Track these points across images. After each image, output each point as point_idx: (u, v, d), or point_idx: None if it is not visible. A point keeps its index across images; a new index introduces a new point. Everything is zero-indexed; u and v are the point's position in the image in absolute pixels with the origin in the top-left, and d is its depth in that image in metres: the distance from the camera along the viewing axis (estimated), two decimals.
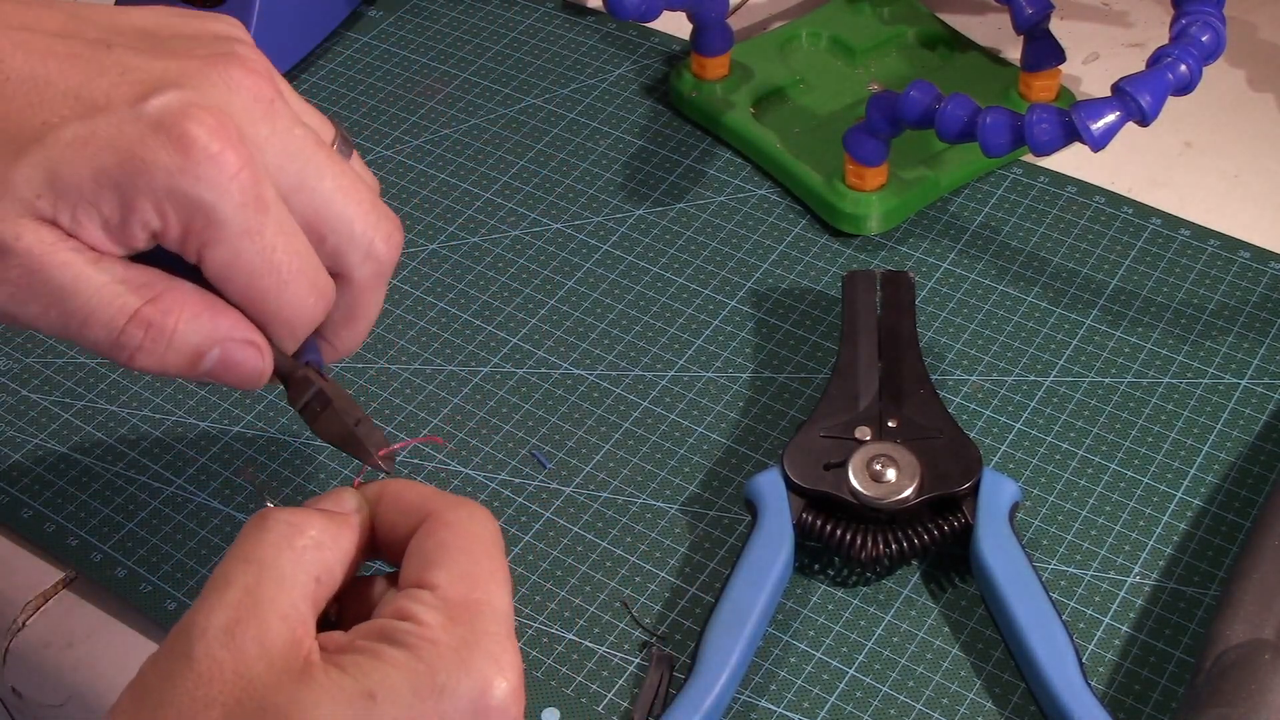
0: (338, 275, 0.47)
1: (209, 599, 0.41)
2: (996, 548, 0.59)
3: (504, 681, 0.41)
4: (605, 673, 0.60)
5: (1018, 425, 0.68)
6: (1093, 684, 0.57)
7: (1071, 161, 0.79)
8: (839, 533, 0.61)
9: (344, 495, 0.44)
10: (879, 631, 0.61)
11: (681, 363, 0.71)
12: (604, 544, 0.64)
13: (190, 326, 0.43)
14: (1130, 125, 0.68)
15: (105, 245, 0.43)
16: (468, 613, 0.41)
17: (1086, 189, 0.78)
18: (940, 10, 0.89)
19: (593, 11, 0.92)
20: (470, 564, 0.42)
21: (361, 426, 0.47)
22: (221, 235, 0.43)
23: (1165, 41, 0.70)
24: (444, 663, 0.40)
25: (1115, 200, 0.78)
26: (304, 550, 0.41)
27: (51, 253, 0.42)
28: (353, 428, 0.46)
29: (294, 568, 0.41)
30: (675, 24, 0.86)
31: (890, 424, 0.63)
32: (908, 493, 0.60)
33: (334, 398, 0.46)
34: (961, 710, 0.58)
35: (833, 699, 0.59)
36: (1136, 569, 0.62)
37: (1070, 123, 0.67)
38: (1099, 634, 0.60)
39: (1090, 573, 0.62)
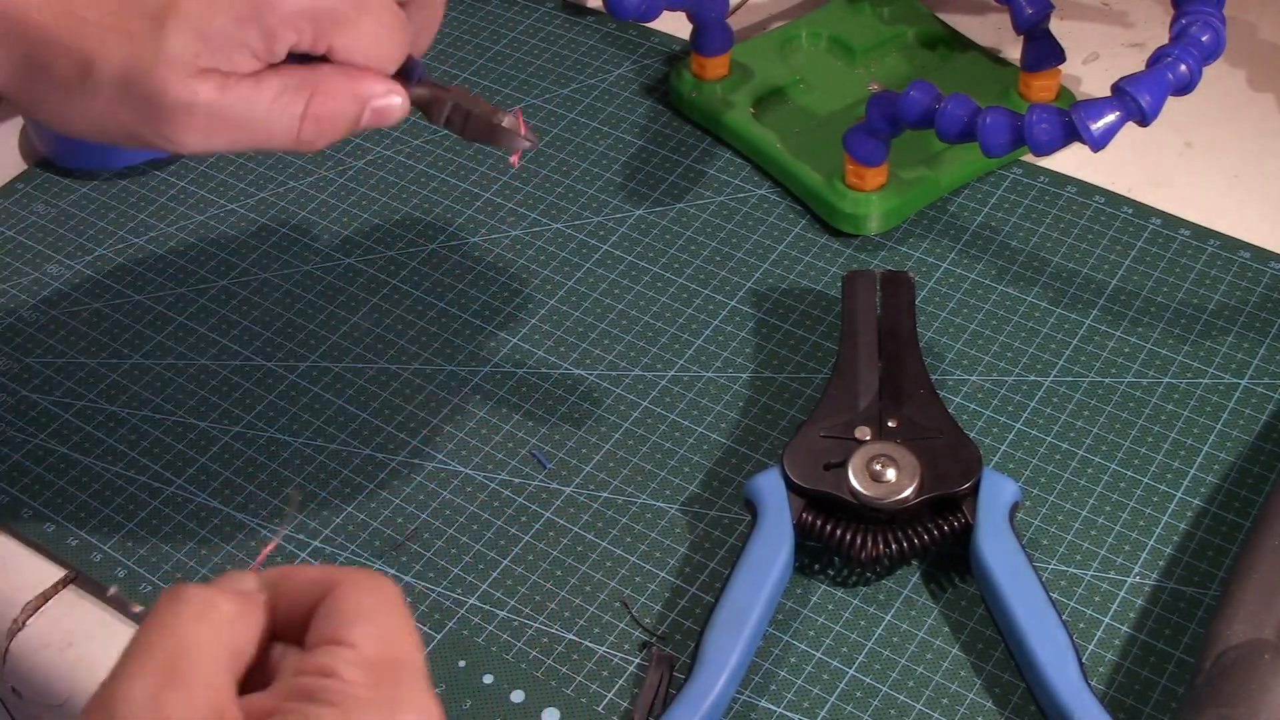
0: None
1: (129, 668, 0.41)
2: (996, 548, 0.59)
3: None
4: (605, 673, 0.60)
5: (1018, 425, 0.68)
6: (1093, 684, 0.57)
7: (1071, 161, 0.79)
8: (839, 533, 0.61)
9: (244, 577, 0.45)
10: (879, 631, 0.61)
11: (681, 363, 0.71)
12: (604, 544, 0.64)
13: (344, 104, 0.52)
14: (1130, 125, 0.68)
15: (257, 68, 0.51)
16: (390, 670, 0.41)
17: (1086, 189, 0.78)
18: (940, 10, 0.89)
19: (592, 11, 0.92)
20: (386, 623, 0.42)
21: (500, 116, 0.56)
22: (344, 26, 0.51)
23: (1165, 41, 0.70)
24: (373, 719, 0.40)
25: (1115, 200, 0.78)
26: (220, 624, 0.41)
27: (223, 95, 0.51)
28: (498, 124, 0.56)
29: (213, 640, 0.41)
30: (675, 24, 0.86)
31: (890, 424, 0.63)
32: (907, 493, 0.60)
33: (465, 102, 0.56)
34: (961, 710, 0.58)
35: (833, 699, 0.59)
36: (1136, 569, 0.62)
37: (1070, 123, 0.67)
38: (1099, 634, 0.60)
39: (1090, 572, 0.62)
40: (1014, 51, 0.82)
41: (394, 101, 0.54)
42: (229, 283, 0.76)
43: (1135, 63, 0.71)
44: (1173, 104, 0.69)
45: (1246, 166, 0.80)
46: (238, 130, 0.52)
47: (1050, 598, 0.58)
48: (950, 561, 0.62)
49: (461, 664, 0.60)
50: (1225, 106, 0.83)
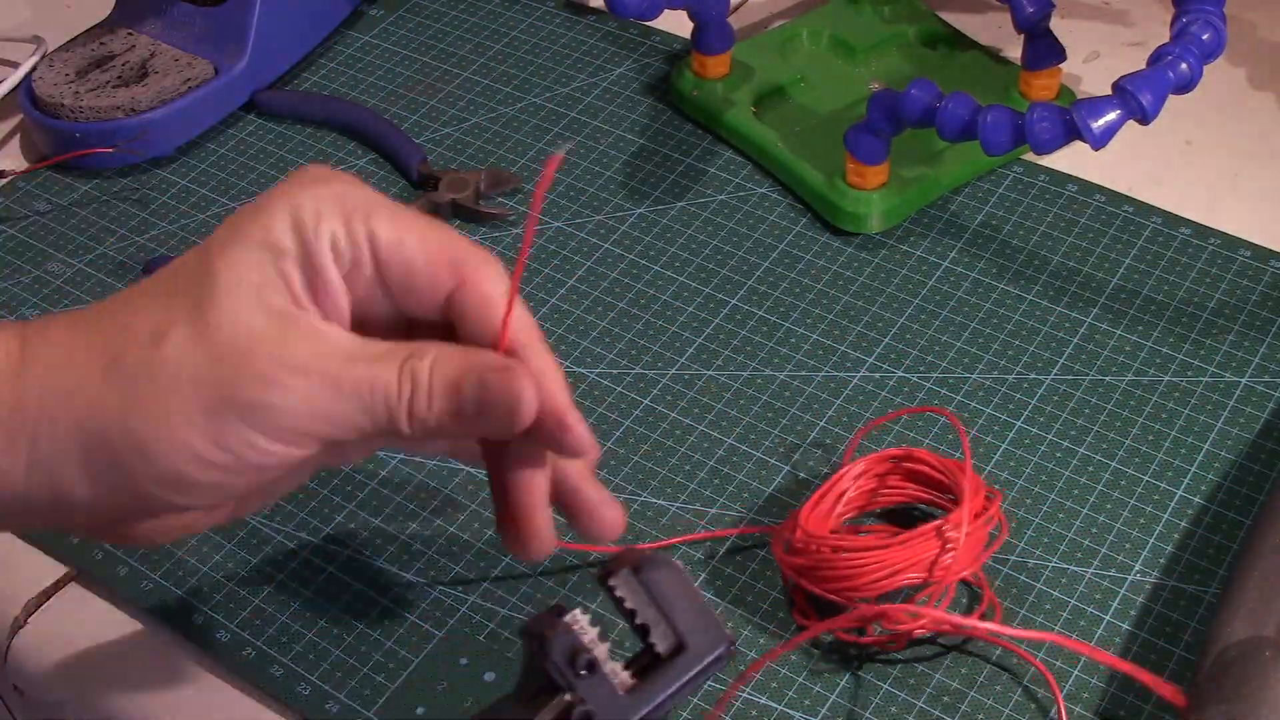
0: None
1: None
2: None
3: None
4: None
5: (1018, 423, 0.68)
6: (1094, 682, 0.57)
7: (1072, 160, 0.80)
8: None
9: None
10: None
11: (682, 361, 0.71)
12: (604, 542, 0.64)
13: (443, 364, 0.47)
14: (1131, 124, 0.68)
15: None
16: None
17: (1087, 187, 0.78)
18: (941, 9, 0.89)
19: (593, 10, 0.92)
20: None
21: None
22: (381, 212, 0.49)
23: (1166, 40, 0.70)
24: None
25: (1115, 199, 0.78)
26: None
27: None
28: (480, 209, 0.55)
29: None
30: (676, 23, 0.86)
31: None
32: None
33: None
34: None
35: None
36: (1137, 566, 0.62)
37: (1071, 121, 0.68)
38: (1100, 631, 0.60)
39: (1091, 570, 0.62)
40: (1015, 50, 0.82)
41: (509, 379, 0.47)
42: None
43: (1136, 61, 0.71)
44: (1173, 102, 0.69)
45: (1247, 165, 0.80)
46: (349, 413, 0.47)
47: None
48: None
49: (463, 661, 0.60)
50: (1226, 105, 0.83)
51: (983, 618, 0.60)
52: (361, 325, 0.49)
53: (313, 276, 0.47)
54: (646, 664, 0.44)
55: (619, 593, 0.43)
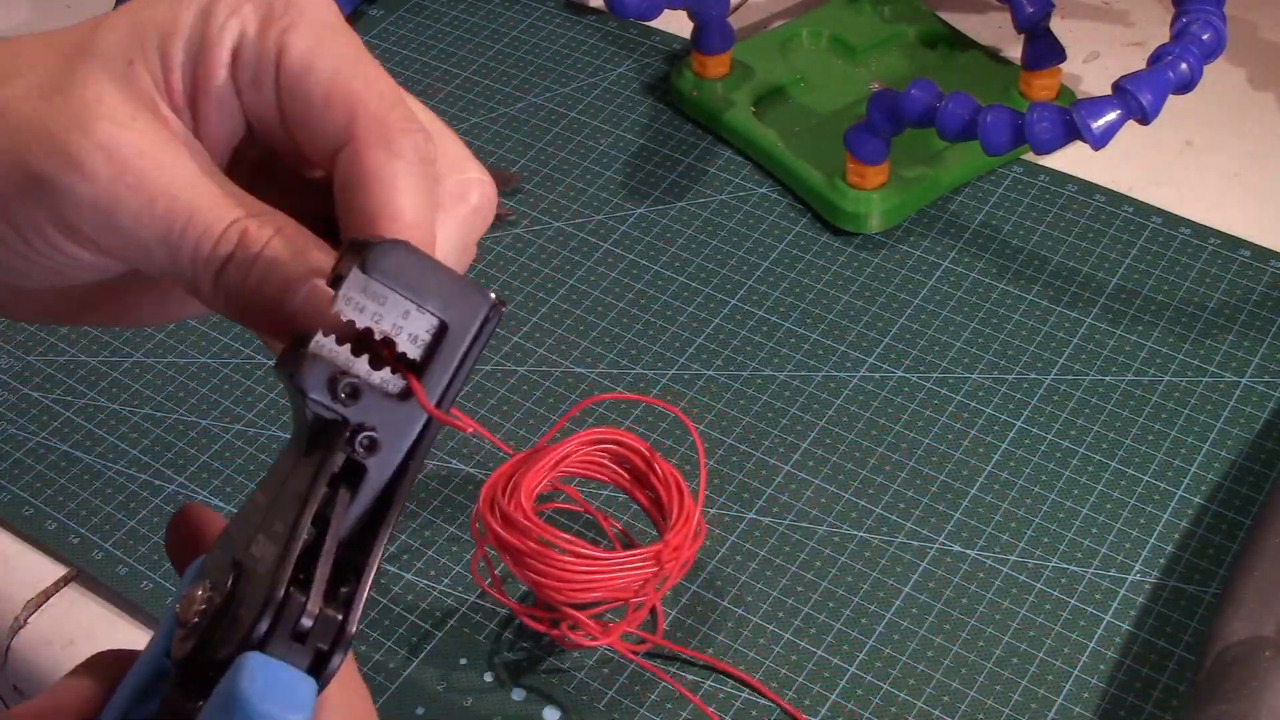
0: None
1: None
2: None
3: None
4: (606, 670, 0.60)
5: (1018, 423, 0.68)
6: (1094, 682, 0.57)
7: (1072, 160, 0.79)
8: None
9: None
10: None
11: (682, 361, 0.71)
12: (605, 542, 0.64)
13: (280, 247, 0.37)
14: (1131, 124, 0.68)
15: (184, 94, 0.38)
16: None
17: (1087, 187, 0.78)
18: (941, 9, 0.89)
19: (593, 10, 0.92)
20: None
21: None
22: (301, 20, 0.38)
23: (1166, 40, 0.70)
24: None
25: (1116, 199, 0.78)
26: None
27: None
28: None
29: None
30: (676, 23, 0.86)
31: None
32: None
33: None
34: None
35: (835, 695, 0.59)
36: (1137, 567, 0.62)
37: (1071, 121, 0.68)
38: (1100, 631, 0.60)
39: (1091, 570, 0.62)
40: (1015, 50, 0.82)
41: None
42: None
43: (1136, 61, 0.71)
44: (1173, 102, 0.69)
45: (1247, 165, 0.80)
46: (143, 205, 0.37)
47: None
48: None
49: (463, 662, 0.60)
50: (1226, 105, 0.83)
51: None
52: (235, 165, 0.40)
53: (198, 73, 0.38)
54: (411, 362, 0.38)
55: (347, 314, 0.36)
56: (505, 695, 0.59)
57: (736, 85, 0.83)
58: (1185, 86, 0.68)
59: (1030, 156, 0.80)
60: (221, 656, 0.33)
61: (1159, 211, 0.77)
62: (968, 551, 0.63)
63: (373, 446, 0.36)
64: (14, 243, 0.38)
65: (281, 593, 0.33)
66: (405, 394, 0.37)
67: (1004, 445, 0.67)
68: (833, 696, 0.59)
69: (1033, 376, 0.70)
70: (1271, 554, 0.59)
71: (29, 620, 0.64)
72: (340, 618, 0.34)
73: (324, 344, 0.36)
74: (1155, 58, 0.69)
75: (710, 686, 0.59)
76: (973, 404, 0.68)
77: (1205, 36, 0.69)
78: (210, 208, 0.37)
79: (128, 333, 0.74)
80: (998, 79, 0.83)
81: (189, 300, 0.41)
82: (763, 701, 0.59)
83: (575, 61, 0.88)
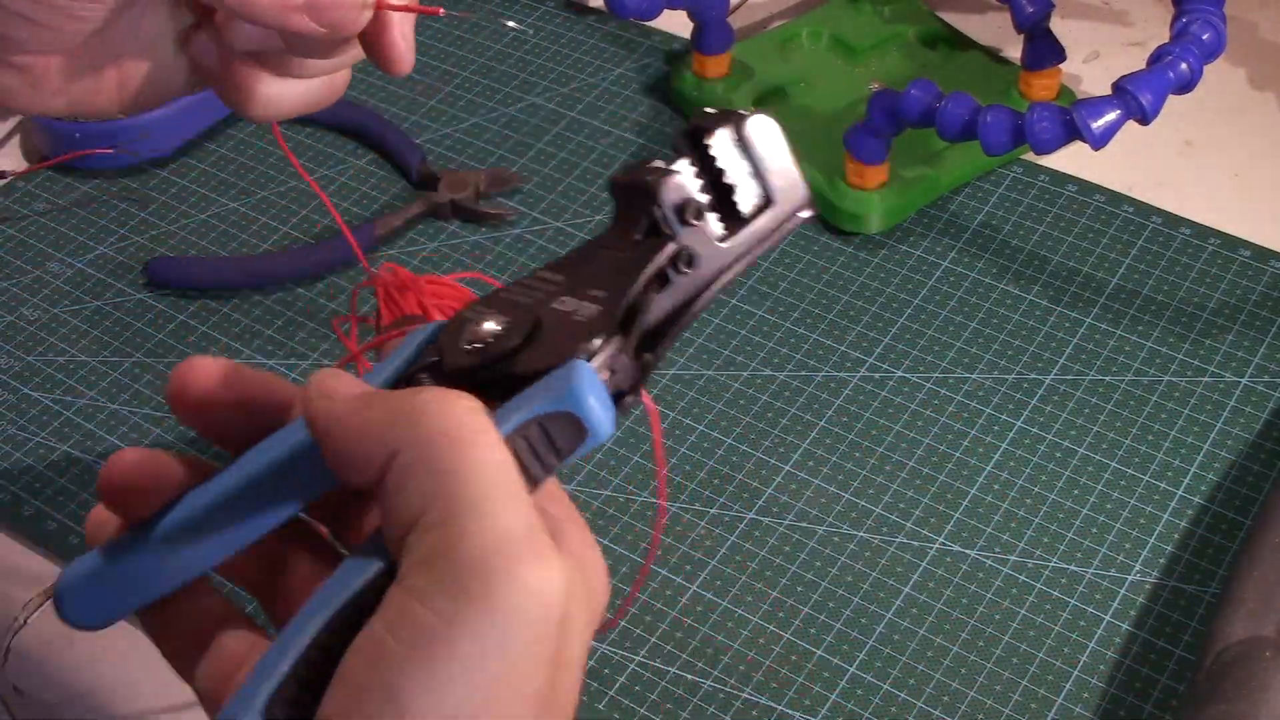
0: None
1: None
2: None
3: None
4: (606, 670, 0.60)
5: (1018, 423, 0.68)
6: (1094, 682, 0.57)
7: (1072, 160, 0.80)
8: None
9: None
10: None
11: (682, 360, 0.71)
12: (605, 541, 0.64)
13: None
14: (1131, 124, 0.68)
15: None
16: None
17: (1087, 187, 0.78)
18: (941, 9, 0.89)
19: (593, 10, 0.92)
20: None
21: None
22: None
23: (1166, 40, 0.70)
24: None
25: (1115, 199, 0.78)
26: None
27: None
28: None
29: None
30: (676, 23, 0.86)
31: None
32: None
33: None
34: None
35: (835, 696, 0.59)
36: (1137, 567, 0.62)
37: (1071, 121, 0.68)
38: (1100, 631, 0.60)
39: (1091, 570, 0.62)
40: (1014, 50, 0.82)
41: None
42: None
43: (1136, 61, 0.71)
44: (1173, 102, 0.69)
45: (1247, 165, 0.80)
46: None
47: None
48: None
49: None
50: (1226, 105, 0.83)
51: None
52: None
53: None
54: (733, 220, 0.44)
55: (714, 150, 0.44)
56: None
57: (736, 85, 0.83)
58: (1185, 86, 0.68)
59: (1030, 156, 0.80)
60: (529, 370, 0.38)
61: (1159, 211, 0.77)
62: (968, 551, 0.63)
63: (691, 263, 0.42)
64: None
65: (614, 330, 0.39)
66: (725, 237, 0.43)
67: (1004, 445, 0.67)
68: (833, 696, 0.59)
69: (1033, 376, 0.70)
70: (1271, 554, 0.59)
71: (29, 620, 0.64)
72: (639, 371, 0.40)
73: (684, 169, 0.43)
74: (1155, 58, 0.69)
75: (710, 686, 0.59)
76: (973, 404, 0.69)
77: (1205, 36, 0.69)
78: None
79: (128, 333, 0.74)
80: (998, 79, 0.83)
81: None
82: (763, 701, 0.59)
83: (575, 62, 0.88)
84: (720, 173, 0.44)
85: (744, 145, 0.45)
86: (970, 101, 0.70)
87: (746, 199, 0.44)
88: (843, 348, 0.71)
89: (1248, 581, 0.58)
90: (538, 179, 0.81)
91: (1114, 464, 0.66)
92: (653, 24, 0.89)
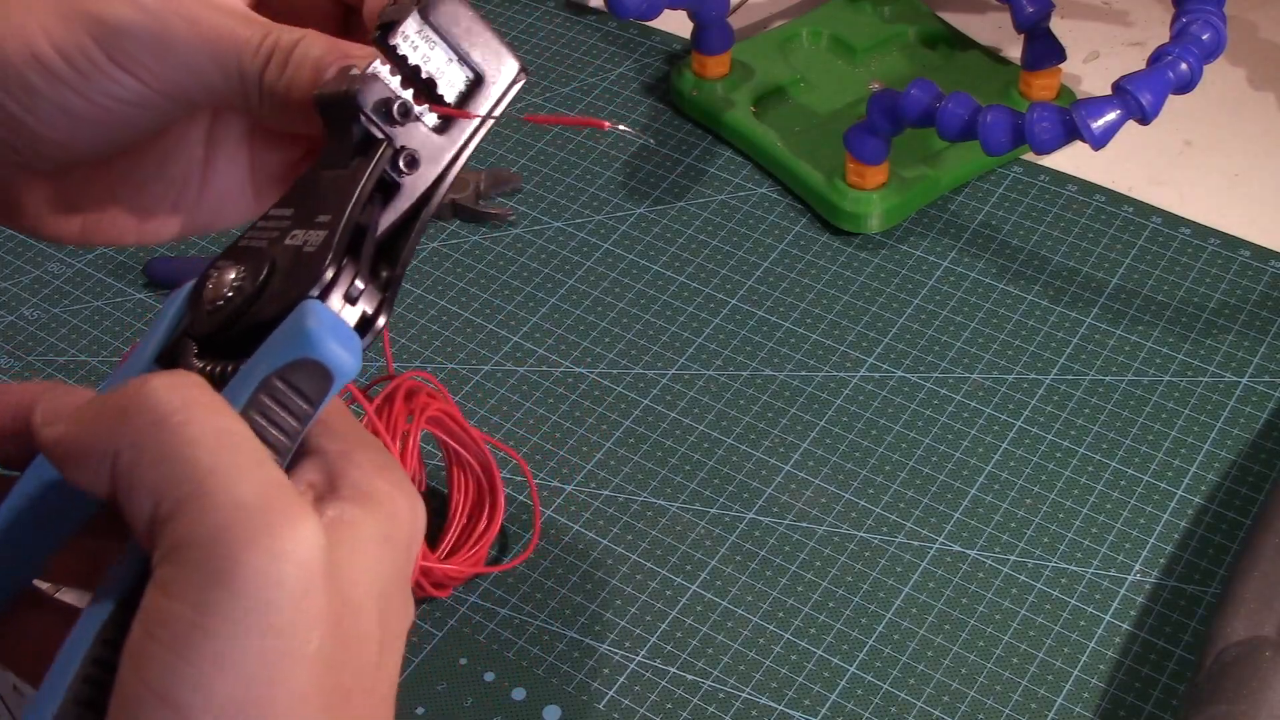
0: None
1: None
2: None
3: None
4: (606, 670, 0.60)
5: (1018, 423, 0.68)
6: (1094, 682, 0.57)
7: (1072, 160, 0.80)
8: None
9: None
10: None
11: (682, 360, 0.71)
12: (605, 541, 0.64)
13: (310, 44, 0.42)
14: (1131, 124, 0.68)
15: None
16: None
17: (1087, 187, 0.78)
18: (941, 9, 0.89)
19: (593, 10, 0.92)
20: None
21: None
22: None
23: (1166, 40, 0.70)
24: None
25: (1115, 199, 0.78)
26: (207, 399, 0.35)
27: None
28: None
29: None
30: (676, 23, 0.86)
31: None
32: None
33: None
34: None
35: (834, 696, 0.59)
36: (1137, 567, 0.62)
37: (1071, 121, 0.68)
38: (1100, 631, 0.60)
39: (1091, 570, 0.62)
40: (1014, 50, 0.82)
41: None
42: None
43: (1136, 61, 0.71)
44: (1173, 102, 0.69)
45: (1247, 165, 0.80)
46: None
47: None
48: None
49: (463, 661, 0.61)
50: (1225, 105, 0.83)
51: None
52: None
53: None
54: (446, 108, 0.42)
55: (403, 50, 0.41)
56: (505, 695, 0.59)
57: (736, 85, 0.83)
58: (1185, 86, 0.68)
59: (1030, 156, 0.80)
60: (266, 317, 0.36)
61: (1159, 211, 0.77)
62: (968, 551, 0.63)
63: (413, 163, 0.40)
64: (67, 75, 0.42)
65: (341, 255, 0.36)
66: (441, 128, 0.41)
67: (1004, 445, 0.67)
68: (833, 696, 0.59)
69: (1033, 376, 0.70)
70: (1271, 554, 0.59)
71: None
72: (382, 291, 0.38)
73: (381, 70, 0.40)
74: (1155, 58, 0.69)
75: (710, 686, 0.59)
76: (973, 404, 0.69)
77: (1205, 36, 0.69)
78: (246, 25, 0.42)
79: (128, 333, 0.74)
80: (998, 79, 0.83)
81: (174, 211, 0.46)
82: (763, 701, 0.59)
83: (575, 62, 0.88)
84: (418, 65, 0.41)
85: (438, 31, 0.42)
86: (970, 101, 0.70)
87: (453, 84, 0.42)
88: (843, 348, 0.71)
89: (1248, 581, 0.58)
90: (538, 179, 0.81)
91: (1114, 464, 0.66)
92: (653, 24, 0.89)
